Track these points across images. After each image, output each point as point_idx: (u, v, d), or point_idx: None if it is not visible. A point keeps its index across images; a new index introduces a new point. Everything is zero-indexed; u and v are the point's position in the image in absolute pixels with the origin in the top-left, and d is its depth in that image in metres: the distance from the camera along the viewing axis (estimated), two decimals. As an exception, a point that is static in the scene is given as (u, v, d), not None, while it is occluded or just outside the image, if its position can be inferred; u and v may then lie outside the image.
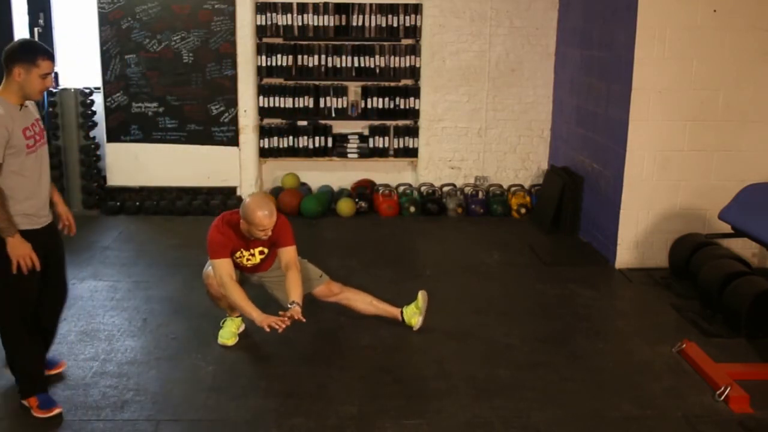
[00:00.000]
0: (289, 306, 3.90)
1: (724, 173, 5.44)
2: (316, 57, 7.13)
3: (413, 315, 4.40)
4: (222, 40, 7.03)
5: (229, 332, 4.24)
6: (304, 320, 3.88)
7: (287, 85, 7.20)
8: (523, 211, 7.09)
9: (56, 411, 3.46)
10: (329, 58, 7.13)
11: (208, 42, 7.03)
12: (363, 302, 4.41)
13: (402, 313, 4.43)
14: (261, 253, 4.10)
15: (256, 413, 3.51)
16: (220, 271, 3.91)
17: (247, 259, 4.09)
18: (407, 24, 7.09)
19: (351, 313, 4.54)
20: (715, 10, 5.20)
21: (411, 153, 7.39)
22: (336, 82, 7.21)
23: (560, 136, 7.09)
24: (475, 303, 4.94)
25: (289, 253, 4.04)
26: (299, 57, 7.12)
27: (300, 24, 7.06)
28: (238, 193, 7.27)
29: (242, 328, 4.33)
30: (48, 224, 3.47)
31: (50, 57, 3.30)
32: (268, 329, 3.78)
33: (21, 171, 3.27)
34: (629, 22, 5.33)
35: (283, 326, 3.78)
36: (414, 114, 7.28)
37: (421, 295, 4.46)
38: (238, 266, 4.09)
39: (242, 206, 3.88)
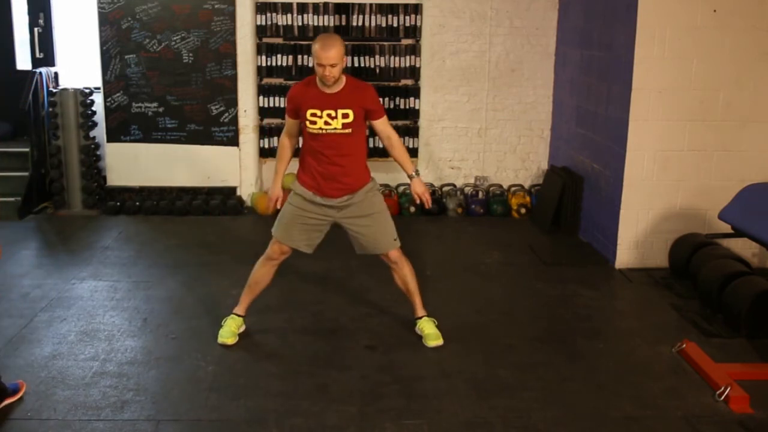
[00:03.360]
0: (410, 178, 4.14)
1: (724, 173, 5.44)
2: (316, 57, 7.12)
3: (428, 337, 4.25)
4: (222, 40, 7.03)
5: (229, 331, 4.23)
6: (429, 205, 4.23)
7: (287, 85, 7.18)
8: (523, 211, 7.09)
9: (23, 386, 3.61)
10: (329, 58, 7.13)
11: (208, 42, 7.03)
12: (401, 279, 4.34)
13: (421, 320, 4.33)
14: (345, 116, 3.89)
15: (256, 413, 3.51)
16: (285, 127, 4.19)
17: (326, 122, 3.88)
18: (407, 24, 7.09)
19: (351, 313, 4.53)
20: (715, 10, 5.20)
21: (411, 153, 7.34)
22: (336, 82, 7.20)
23: (560, 136, 7.09)
24: (475, 303, 4.94)
25: (382, 125, 4.10)
26: (299, 57, 7.12)
27: (300, 24, 7.06)
28: (238, 193, 7.27)
29: (242, 328, 4.33)
30: None
31: None
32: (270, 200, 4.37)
33: None
34: (629, 22, 5.33)
35: (272, 206, 4.30)
36: (414, 114, 7.28)
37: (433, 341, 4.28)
38: (316, 139, 3.97)
39: None
